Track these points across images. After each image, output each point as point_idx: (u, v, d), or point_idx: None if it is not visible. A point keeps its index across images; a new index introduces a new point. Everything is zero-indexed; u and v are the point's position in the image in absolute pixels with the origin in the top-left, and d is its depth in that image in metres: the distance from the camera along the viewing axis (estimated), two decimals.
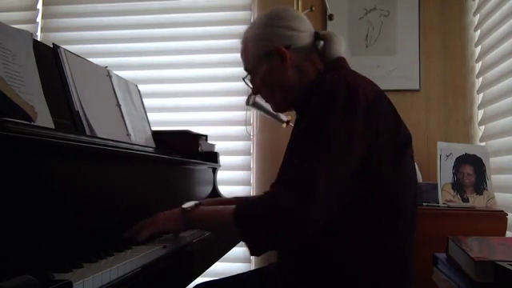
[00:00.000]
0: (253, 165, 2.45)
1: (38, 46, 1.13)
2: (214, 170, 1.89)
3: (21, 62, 1.02)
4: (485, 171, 1.84)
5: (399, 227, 0.96)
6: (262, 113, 1.89)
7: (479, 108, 2.19)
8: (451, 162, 1.86)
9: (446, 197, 1.81)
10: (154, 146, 1.62)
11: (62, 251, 0.81)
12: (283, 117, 1.89)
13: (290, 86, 1.10)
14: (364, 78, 1.01)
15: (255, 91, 1.19)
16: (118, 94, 1.48)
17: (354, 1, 2.38)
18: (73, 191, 0.91)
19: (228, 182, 2.31)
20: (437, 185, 1.84)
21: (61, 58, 1.23)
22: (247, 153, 2.46)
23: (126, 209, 1.10)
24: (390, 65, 2.34)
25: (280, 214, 0.85)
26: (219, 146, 2.05)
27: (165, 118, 2.49)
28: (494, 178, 1.86)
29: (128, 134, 1.44)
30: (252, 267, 2.33)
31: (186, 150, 1.68)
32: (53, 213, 0.83)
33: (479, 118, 2.18)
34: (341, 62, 1.10)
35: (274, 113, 1.83)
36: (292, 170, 0.90)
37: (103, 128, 1.27)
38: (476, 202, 1.80)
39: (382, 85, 1.05)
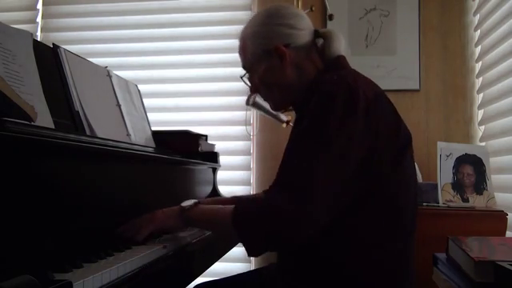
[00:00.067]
0: (253, 165, 2.45)
1: (38, 46, 1.13)
2: (214, 170, 1.89)
3: (21, 62, 1.02)
4: (485, 171, 1.84)
5: (399, 227, 0.96)
6: (261, 113, 1.89)
7: (479, 108, 2.19)
8: (451, 162, 1.86)
9: (445, 197, 1.81)
10: (154, 145, 1.62)
11: (62, 251, 0.81)
12: (283, 117, 1.89)
13: (289, 85, 1.08)
14: (364, 77, 1.01)
15: (254, 90, 1.18)
16: (118, 94, 1.48)
17: (354, 1, 2.38)
18: (73, 191, 0.91)
19: (228, 182, 2.31)
20: (437, 185, 1.84)
21: (61, 57, 1.23)
22: (247, 153, 2.46)
23: (125, 209, 1.10)
24: (390, 65, 2.34)
25: (279, 215, 0.85)
26: (219, 146, 2.05)
27: (165, 117, 2.49)
28: (494, 178, 1.86)
29: (128, 134, 1.44)
30: (252, 267, 2.34)
31: (186, 149, 1.68)
32: (53, 213, 0.83)
33: (479, 117, 2.18)
34: (341, 60, 1.09)
35: (274, 113, 1.83)
36: (291, 170, 0.90)
37: (103, 128, 1.27)
38: (476, 202, 1.80)
39: (382, 85, 1.04)
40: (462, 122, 2.29)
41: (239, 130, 2.44)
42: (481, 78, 2.18)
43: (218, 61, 2.51)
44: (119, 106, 1.46)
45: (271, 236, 0.87)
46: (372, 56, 2.35)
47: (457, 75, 2.32)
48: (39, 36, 2.63)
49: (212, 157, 1.86)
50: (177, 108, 2.54)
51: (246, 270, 1.40)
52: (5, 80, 0.79)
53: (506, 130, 1.87)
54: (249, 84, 1.18)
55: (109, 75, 1.47)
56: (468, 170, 1.85)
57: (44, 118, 1.00)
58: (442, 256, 1.21)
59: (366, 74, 1.03)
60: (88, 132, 1.20)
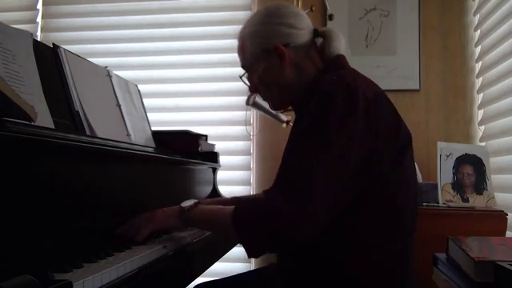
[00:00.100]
0: (253, 165, 2.45)
1: (38, 46, 1.13)
2: (214, 170, 1.89)
3: (21, 62, 1.02)
4: (485, 171, 1.84)
5: (399, 227, 0.96)
6: (261, 113, 1.89)
7: (479, 108, 2.19)
8: (451, 162, 1.86)
9: (445, 197, 1.81)
10: (154, 145, 1.62)
11: (62, 251, 0.81)
12: (283, 117, 1.89)
13: (289, 85, 1.08)
14: (364, 77, 1.01)
15: (253, 89, 1.17)
16: (118, 94, 1.48)
17: (354, 1, 2.38)
18: (73, 191, 0.91)
19: (228, 182, 2.31)
20: (437, 185, 1.84)
21: (61, 58, 1.23)
22: (247, 153, 2.46)
23: (125, 209, 1.10)
24: (390, 65, 2.34)
25: (278, 215, 0.85)
26: (219, 146, 2.05)
27: (165, 117, 2.49)
28: (494, 178, 1.86)
29: (128, 134, 1.44)
30: (252, 267, 2.34)
31: (186, 150, 1.68)
32: (53, 213, 0.83)
33: (479, 118, 2.18)
34: (340, 59, 1.08)
35: (274, 113, 1.83)
36: (291, 170, 0.90)
37: (103, 128, 1.27)
38: (476, 202, 1.80)
39: (382, 85, 1.04)
40: (462, 122, 2.29)
41: (239, 129, 2.44)
42: (481, 78, 2.18)
43: (218, 61, 2.51)
44: (119, 106, 1.46)
45: (271, 236, 0.87)
46: (372, 56, 2.35)
47: (457, 75, 2.32)
48: (39, 36, 2.63)
49: (212, 157, 1.86)
50: (177, 108, 2.54)
51: (246, 270, 1.40)
52: (5, 80, 0.79)
53: (506, 129, 1.87)
54: (248, 84, 1.18)
55: (109, 75, 1.47)
56: (468, 169, 1.85)
57: (44, 118, 1.00)
58: (442, 256, 1.21)
59: (366, 74, 1.02)
60: (88, 132, 1.20)
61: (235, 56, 1.16)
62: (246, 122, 2.30)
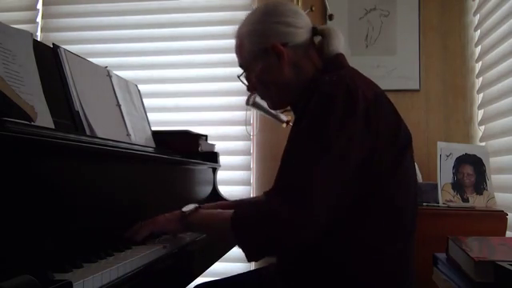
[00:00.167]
0: (253, 165, 2.45)
1: (38, 46, 1.13)
2: (214, 170, 1.89)
3: (21, 62, 1.02)
4: (485, 171, 1.84)
5: (399, 227, 0.96)
6: (261, 113, 1.89)
7: (479, 108, 2.19)
8: (451, 162, 1.86)
9: (445, 197, 1.81)
10: (154, 145, 1.62)
11: (62, 251, 0.81)
12: (283, 117, 1.89)
13: (287, 84, 1.06)
14: (364, 77, 1.01)
15: (251, 89, 1.16)
16: (118, 94, 1.48)
17: (354, 1, 2.38)
18: (73, 191, 0.91)
19: (228, 182, 2.30)
20: (437, 185, 1.83)
21: (61, 58, 1.23)
22: (247, 153, 2.46)
23: (126, 209, 1.10)
24: (390, 65, 2.34)
25: (278, 218, 0.85)
26: (219, 146, 2.05)
27: (165, 117, 2.48)
28: (494, 178, 1.86)
29: (128, 134, 1.44)
30: (252, 267, 2.33)
31: (186, 149, 1.68)
32: (53, 213, 0.83)
33: (479, 118, 2.18)
34: (340, 59, 1.06)
35: (274, 113, 1.83)
36: (290, 172, 0.90)
37: (103, 128, 1.27)
38: (476, 202, 1.80)
39: (382, 85, 1.04)
40: (462, 122, 2.29)
41: (239, 129, 2.44)
42: (481, 78, 2.18)
43: (218, 61, 2.51)
44: (119, 106, 1.46)
45: (270, 240, 0.87)
46: (372, 56, 2.35)
47: (457, 75, 2.32)
48: (39, 36, 2.63)
49: (212, 157, 1.86)
50: (177, 108, 2.54)
51: (245, 270, 1.40)
52: (5, 80, 0.79)
53: (506, 129, 1.87)
54: (246, 83, 1.16)
55: (109, 75, 1.47)
56: (468, 169, 1.85)
57: (44, 118, 1.00)
58: (442, 256, 1.21)
59: (366, 74, 1.02)
60: (88, 132, 1.20)
61: (235, 56, 1.16)
62: (246, 122, 2.29)
